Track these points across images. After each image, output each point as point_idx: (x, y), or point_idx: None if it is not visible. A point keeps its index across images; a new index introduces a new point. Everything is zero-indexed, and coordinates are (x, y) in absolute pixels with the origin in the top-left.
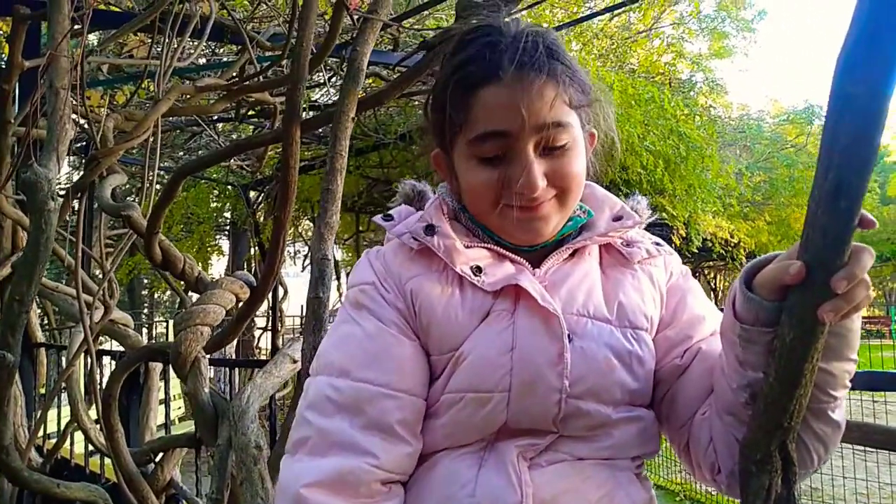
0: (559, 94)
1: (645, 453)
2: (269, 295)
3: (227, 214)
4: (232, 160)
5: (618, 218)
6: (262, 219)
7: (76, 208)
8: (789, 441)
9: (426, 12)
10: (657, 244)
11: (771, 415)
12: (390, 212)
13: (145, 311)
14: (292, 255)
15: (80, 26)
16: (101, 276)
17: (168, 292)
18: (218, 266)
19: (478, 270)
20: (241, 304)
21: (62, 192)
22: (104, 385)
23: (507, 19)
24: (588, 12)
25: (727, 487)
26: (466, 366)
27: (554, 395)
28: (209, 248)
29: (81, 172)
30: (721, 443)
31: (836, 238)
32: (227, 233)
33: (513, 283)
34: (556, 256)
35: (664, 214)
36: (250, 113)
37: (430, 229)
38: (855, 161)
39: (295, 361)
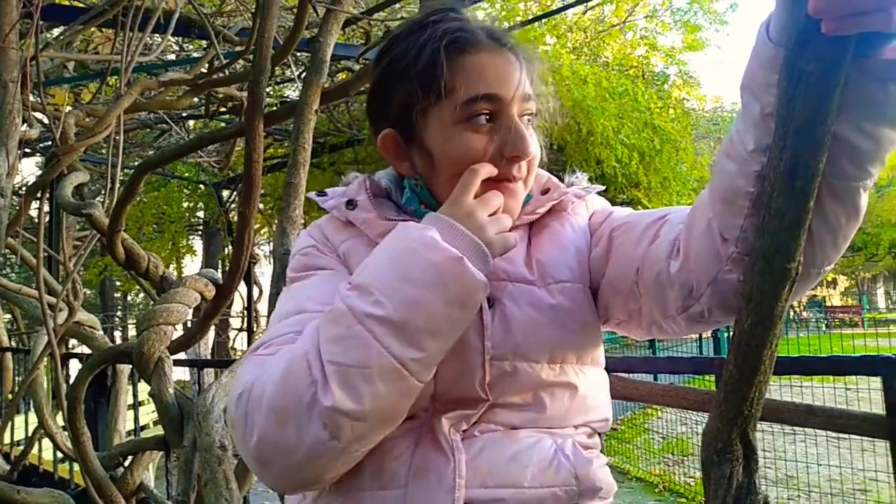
0: (529, 72)
1: (589, 421)
2: (244, 295)
3: (200, 214)
4: (204, 158)
5: (545, 191)
6: (234, 218)
7: (44, 209)
8: (750, 429)
9: (397, 5)
10: (577, 196)
11: (731, 403)
12: (326, 190)
13: (118, 313)
14: (267, 254)
15: (32, 19)
16: (66, 277)
17: (141, 294)
18: (191, 267)
19: None
20: (207, 303)
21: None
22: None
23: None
24: (561, 4)
25: (691, 316)
26: None
27: (477, 356)
28: (182, 249)
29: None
30: (700, 242)
31: (792, 221)
32: (199, 233)
33: None
34: None
35: (639, 208)
36: (221, 110)
37: (351, 203)
38: (810, 140)
39: None
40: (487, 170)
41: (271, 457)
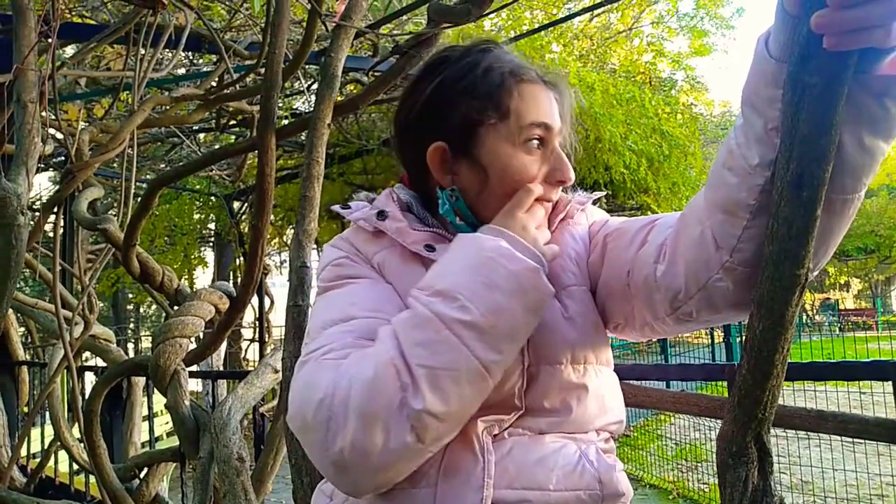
0: (564, 109)
1: (608, 423)
2: (256, 306)
3: (212, 226)
4: (214, 170)
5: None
6: (246, 229)
7: (58, 223)
8: (764, 432)
9: (405, 17)
10: (580, 203)
11: (745, 407)
12: (349, 203)
13: (131, 325)
14: (278, 264)
15: (49, 39)
16: (81, 291)
17: (154, 306)
18: (203, 278)
19: (430, 248)
20: (221, 315)
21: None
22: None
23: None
24: (567, 13)
25: (678, 316)
26: None
27: (516, 365)
28: (193, 260)
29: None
30: (691, 249)
31: (800, 229)
32: (211, 244)
33: None
34: None
35: (649, 213)
36: (231, 123)
37: (382, 214)
38: (815, 151)
39: (276, 371)
40: (540, 190)
41: (353, 460)
